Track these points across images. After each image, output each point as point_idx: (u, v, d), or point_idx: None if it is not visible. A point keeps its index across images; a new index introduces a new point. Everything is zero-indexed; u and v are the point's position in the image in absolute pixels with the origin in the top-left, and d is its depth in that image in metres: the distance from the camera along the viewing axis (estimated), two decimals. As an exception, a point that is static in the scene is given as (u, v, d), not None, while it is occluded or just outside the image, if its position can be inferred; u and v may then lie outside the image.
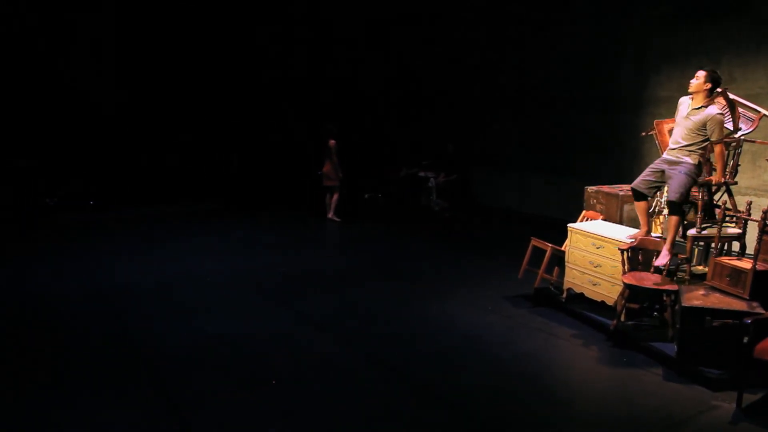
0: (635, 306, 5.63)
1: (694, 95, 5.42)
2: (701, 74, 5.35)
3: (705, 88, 5.32)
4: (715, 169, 5.57)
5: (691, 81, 5.40)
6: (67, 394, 4.35)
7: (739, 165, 5.86)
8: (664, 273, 5.36)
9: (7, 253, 8.40)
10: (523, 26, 11.31)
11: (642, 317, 5.69)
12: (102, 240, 9.34)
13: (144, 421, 3.99)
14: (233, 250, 8.79)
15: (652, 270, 5.50)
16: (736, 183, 5.81)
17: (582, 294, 6.12)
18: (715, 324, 4.63)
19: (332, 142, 10.61)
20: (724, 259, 5.10)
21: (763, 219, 4.86)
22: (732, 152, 5.84)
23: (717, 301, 4.78)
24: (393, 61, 14.48)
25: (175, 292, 6.73)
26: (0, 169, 11.15)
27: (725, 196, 5.83)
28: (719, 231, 5.31)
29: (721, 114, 5.40)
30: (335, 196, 10.89)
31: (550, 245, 6.47)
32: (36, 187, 11.41)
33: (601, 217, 6.80)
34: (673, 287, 5.16)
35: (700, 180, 5.55)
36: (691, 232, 5.63)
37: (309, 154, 12.40)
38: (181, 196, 12.73)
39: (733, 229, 5.64)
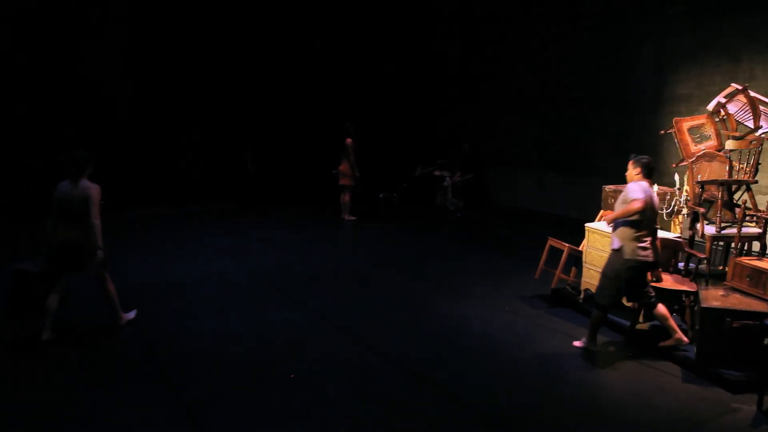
0: (653, 307, 5.57)
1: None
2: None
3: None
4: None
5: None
6: (83, 392, 4.38)
7: (760, 163, 5.79)
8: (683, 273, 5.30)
9: (19, 253, 8.37)
10: (543, 26, 11.27)
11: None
12: (116, 240, 9.17)
13: (160, 420, 4.02)
14: (248, 250, 8.81)
15: (670, 271, 5.45)
16: (756, 182, 5.74)
17: (599, 294, 6.06)
18: (735, 325, 4.57)
19: (349, 140, 10.52)
20: (745, 260, 5.04)
21: (784, 218, 4.79)
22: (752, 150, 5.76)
23: (737, 301, 4.73)
24: (408, 59, 14.49)
25: (190, 292, 6.76)
26: (13, 168, 11.16)
27: (745, 195, 5.75)
28: (739, 231, 5.24)
29: None
30: (347, 196, 10.83)
31: (567, 245, 6.42)
32: (48, 186, 11.46)
33: (619, 216, 6.70)
34: (692, 288, 5.11)
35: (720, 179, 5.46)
36: (711, 231, 5.55)
37: (325, 153, 12.39)
38: (196, 196, 12.79)
39: (753, 229, 5.57)
